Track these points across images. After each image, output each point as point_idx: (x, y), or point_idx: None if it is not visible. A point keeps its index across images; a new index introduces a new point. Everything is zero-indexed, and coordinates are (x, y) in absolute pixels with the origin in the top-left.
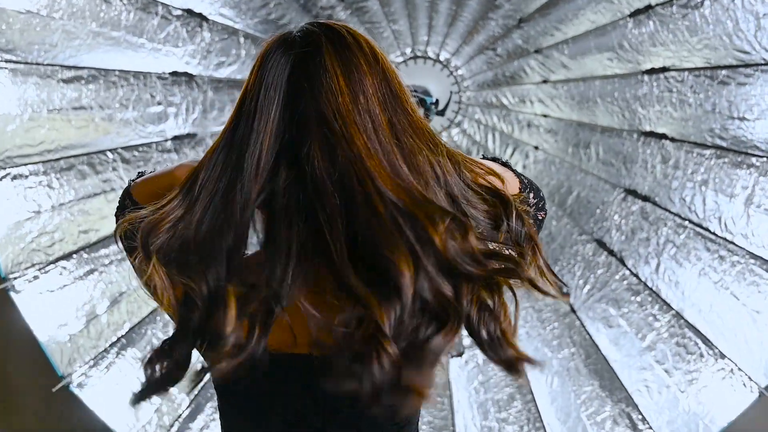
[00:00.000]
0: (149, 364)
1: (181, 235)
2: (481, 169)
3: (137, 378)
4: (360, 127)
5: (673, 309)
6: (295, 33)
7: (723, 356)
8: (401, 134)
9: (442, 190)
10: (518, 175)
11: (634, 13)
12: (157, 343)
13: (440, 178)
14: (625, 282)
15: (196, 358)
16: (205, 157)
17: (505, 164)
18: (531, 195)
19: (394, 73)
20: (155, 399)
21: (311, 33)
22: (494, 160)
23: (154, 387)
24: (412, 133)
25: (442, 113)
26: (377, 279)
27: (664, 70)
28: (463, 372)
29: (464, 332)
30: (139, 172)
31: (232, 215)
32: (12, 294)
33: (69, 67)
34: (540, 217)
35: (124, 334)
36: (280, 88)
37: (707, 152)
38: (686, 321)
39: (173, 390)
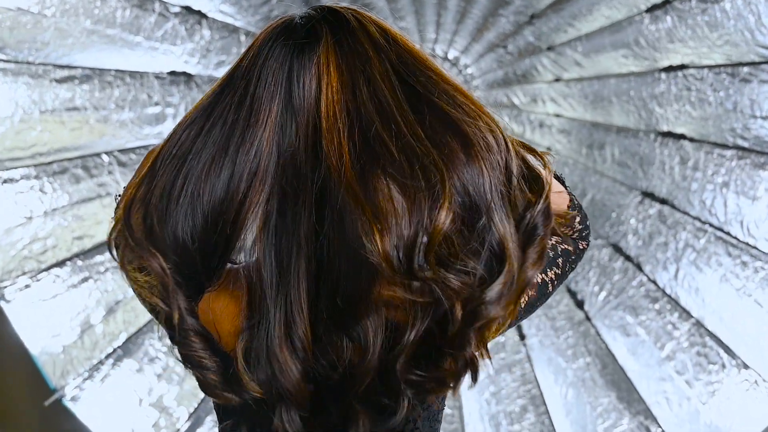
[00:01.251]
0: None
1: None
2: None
3: (134, 391)
4: (344, 129)
5: (693, 317)
6: (297, 19)
7: (746, 366)
8: (428, 102)
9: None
10: (569, 192)
11: (651, 8)
12: (154, 353)
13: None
14: (642, 288)
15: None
16: (174, 132)
17: (557, 177)
18: (578, 219)
19: (412, 50)
20: (152, 413)
21: (312, 19)
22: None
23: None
24: (446, 97)
25: None
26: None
27: (682, 67)
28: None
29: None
30: (116, 195)
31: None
32: (2, 303)
33: (62, 67)
34: (581, 247)
35: (120, 344)
36: (280, 85)
37: (728, 153)
38: (707, 329)
39: (172, 403)
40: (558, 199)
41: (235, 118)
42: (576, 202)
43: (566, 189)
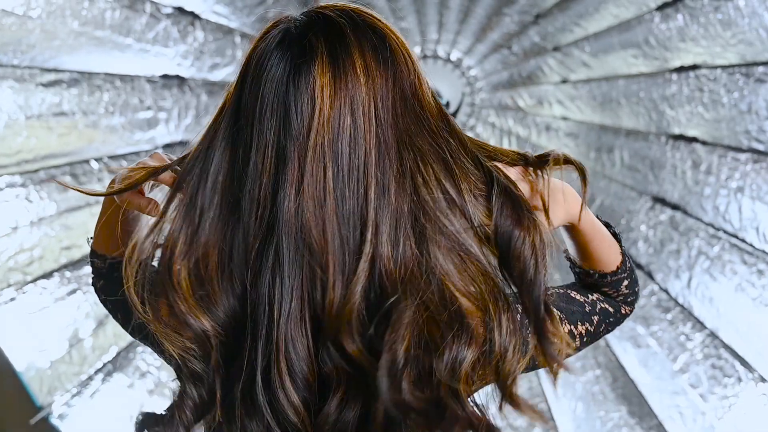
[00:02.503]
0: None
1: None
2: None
3: (125, 407)
4: (330, 165)
5: (707, 328)
6: (294, 27)
7: (764, 380)
8: (407, 147)
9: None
10: (623, 252)
11: (662, 6)
12: (146, 368)
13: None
14: (654, 298)
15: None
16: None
17: (607, 224)
18: (625, 283)
19: (409, 72)
20: None
21: (308, 29)
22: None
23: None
24: (429, 146)
25: (453, 116)
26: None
27: (694, 67)
28: (477, 396)
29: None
30: (88, 238)
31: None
32: None
33: (49, 70)
34: (623, 311)
35: (110, 359)
36: (277, 112)
37: (743, 156)
38: (722, 341)
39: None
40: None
41: (239, 157)
42: (628, 265)
43: (621, 248)
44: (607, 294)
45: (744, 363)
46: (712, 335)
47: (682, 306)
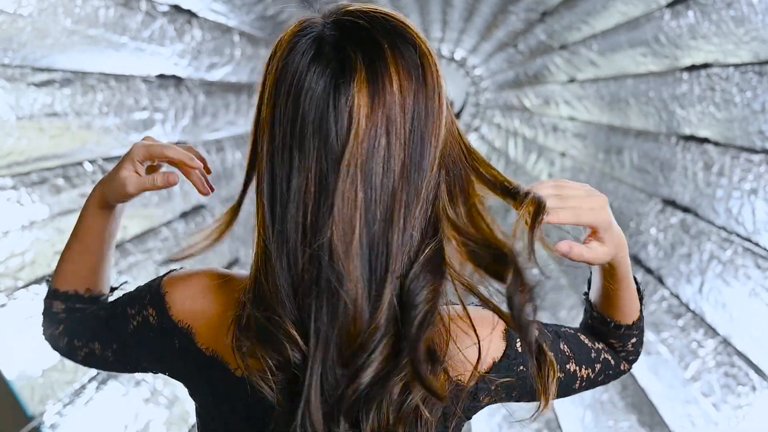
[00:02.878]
0: None
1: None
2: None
3: (119, 416)
4: (360, 187)
5: (719, 334)
6: (327, 37)
7: None
8: (432, 169)
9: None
10: (641, 312)
11: (672, 3)
12: (141, 376)
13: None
14: (664, 303)
15: None
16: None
17: (637, 284)
18: (633, 340)
19: (435, 92)
20: None
21: (346, 41)
22: None
23: None
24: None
25: (457, 117)
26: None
27: (706, 66)
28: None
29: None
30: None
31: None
32: None
33: (41, 69)
34: (622, 368)
35: None
36: (318, 131)
37: (756, 157)
38: (735, 348)
39: (160, 429)
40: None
41: (281, 179)
42: (642, 324)
43: (642, 304)
44: (612, 346)
45: (758, 371)
46: (725, 342)
47: (693, 312)
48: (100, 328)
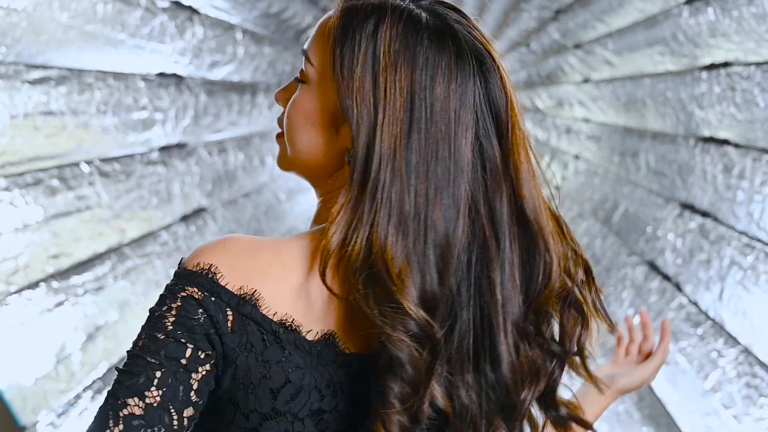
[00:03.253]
0: None
1: None
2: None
3: None
4: (526, 150)
5: (740, 343)
6: (463, 33)
7: None
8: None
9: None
10: None
11: (690, 0)
12: None
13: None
14: (682, 311)
15: None
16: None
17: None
18: None
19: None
20: None
21: (477, 38)
22: None
23: None
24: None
25: None
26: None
27: (726, 65)
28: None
29: None
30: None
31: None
32: None
33: (35, 66)
34: None
35: (100, 375)
36: (469, 117)
37: None
38: (757, 358)
39: None
40: None
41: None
42: None
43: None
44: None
45: None
46: (746, 351)
47: (713, 320)
48: None
